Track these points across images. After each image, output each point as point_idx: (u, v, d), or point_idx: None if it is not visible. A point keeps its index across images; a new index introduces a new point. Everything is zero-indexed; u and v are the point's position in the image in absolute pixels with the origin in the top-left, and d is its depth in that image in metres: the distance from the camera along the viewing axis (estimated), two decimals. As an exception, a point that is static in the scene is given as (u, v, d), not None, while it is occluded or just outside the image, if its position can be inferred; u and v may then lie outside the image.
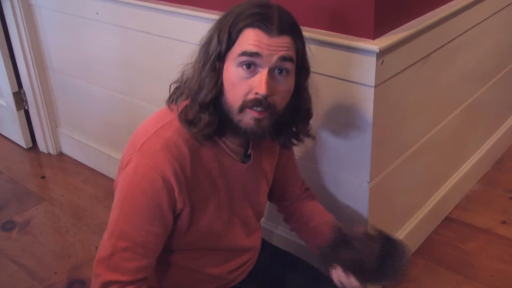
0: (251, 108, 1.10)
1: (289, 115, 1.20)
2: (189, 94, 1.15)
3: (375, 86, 1.45)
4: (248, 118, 1.11)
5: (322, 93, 1.56)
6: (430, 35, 1.61)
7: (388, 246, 1.21)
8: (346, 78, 1.49)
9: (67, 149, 2.78)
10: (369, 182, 1.60)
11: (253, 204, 1.34)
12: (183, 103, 1.17)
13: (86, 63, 2.36)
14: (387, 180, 1.69)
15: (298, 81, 1.17)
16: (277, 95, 1.12)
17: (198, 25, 1.70)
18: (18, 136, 2.84)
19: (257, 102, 1.09)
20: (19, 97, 2.72)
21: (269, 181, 1.39)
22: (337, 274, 1.25)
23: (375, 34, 1.42)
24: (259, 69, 1.09)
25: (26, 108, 2.75)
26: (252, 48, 1.07)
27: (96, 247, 2.10)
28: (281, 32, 1.08)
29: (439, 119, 1.91)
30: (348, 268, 1.23)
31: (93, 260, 2.01)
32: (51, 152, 2.80)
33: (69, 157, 2.76)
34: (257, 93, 1.08)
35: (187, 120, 1.15)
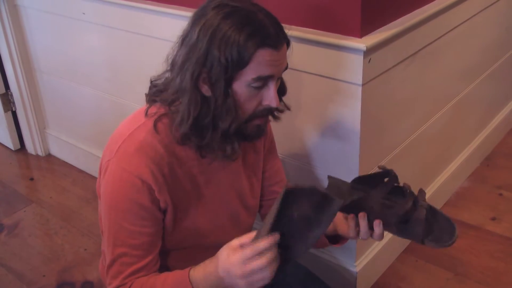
0: (258, 117, 1.13)
1: None
2: (193, 118, 1.10)
3: (363, 85, 1.45)
4: (253, 125, 1.14)
5: (310, 92, 1.57)
6: (417, 33, 1.61)
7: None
8: (334, 77, 1.49)
9: (56, 151, 2.76)
10: (358, 181, 1.60)
11: (242, 199, 1.33)
12: (164, 113, 1.16)
13: (74, 63, 2.34)
14: (376, 178, 1.69)
15: None
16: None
17: (186, 25, 1.69)
18: (6, 138, 2.82)
19: (268, 113, 1.14)
20: (6, 99, 2.70)
21: (257, 174, 1.38)
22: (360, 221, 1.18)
23: (362, 32, 1.42)
24: (268, 82, 1.10)
25: (13, 109, 2.73)
26: (268, 72, 1.07)
27: (85, 249, 2.11)
28: (281, 42, 1.08)
29: (427, 117, 1.91)
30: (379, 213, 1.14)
31: (82, 262, 2.03)
32: (39, 153, 2.78)
33: (58, 159, 2.74)
34: (268, 105, 1.11)
35: (195, 143, 1.13)
